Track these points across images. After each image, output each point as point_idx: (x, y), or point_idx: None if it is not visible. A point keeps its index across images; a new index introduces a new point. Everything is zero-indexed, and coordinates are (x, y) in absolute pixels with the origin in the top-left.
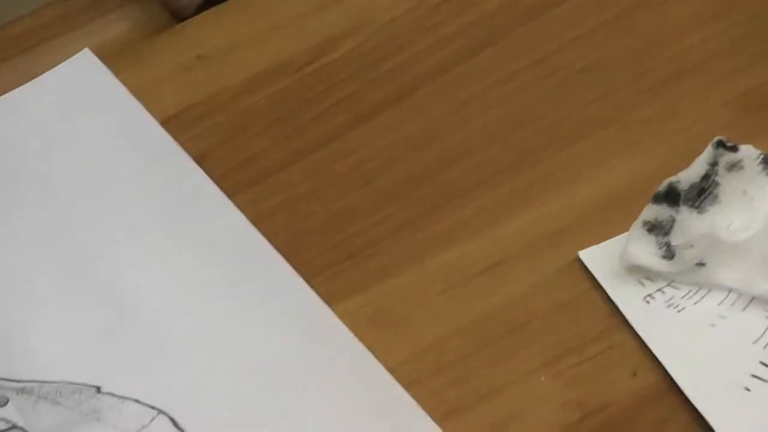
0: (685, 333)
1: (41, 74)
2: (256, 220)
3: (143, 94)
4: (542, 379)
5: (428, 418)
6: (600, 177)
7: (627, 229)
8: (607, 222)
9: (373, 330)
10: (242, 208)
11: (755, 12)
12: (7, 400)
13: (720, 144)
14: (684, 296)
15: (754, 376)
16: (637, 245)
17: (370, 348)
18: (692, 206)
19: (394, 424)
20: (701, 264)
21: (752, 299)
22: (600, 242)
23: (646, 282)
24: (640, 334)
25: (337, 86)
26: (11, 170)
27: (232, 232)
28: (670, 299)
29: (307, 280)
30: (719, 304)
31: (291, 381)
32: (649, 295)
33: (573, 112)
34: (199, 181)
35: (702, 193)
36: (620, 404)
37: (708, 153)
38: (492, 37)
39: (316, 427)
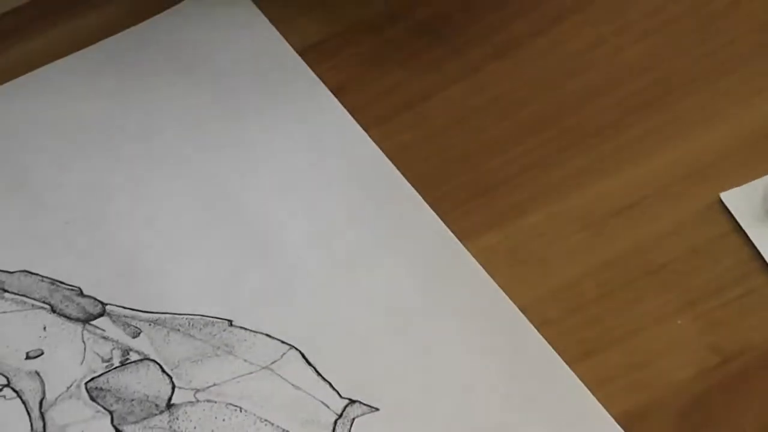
0: None
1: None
2: (392, 154)
3: (282, 23)
4: (679, 322)
5: (559, 359)
6: (743, 116)
7: None
8: (749, 163)
9: (509, 267)
10: (378, 141)
11: None
12: (140, 332)
13: None
14: None
15: None
16: None
17: (505, 285)
18: None
19: (525, 364)
20: None
21: None
22: (742, 184)
23: None
24: None
25: (476, 19)
26: (150, 96)
27: (368, 166)
28: None
29: (443, 215)
30: None
31: (421, 317)
32: None
33: (716, 48)
34: (336, 114)
35: None
36: (759, 350)
37: None
38: None
39: (444, 362)
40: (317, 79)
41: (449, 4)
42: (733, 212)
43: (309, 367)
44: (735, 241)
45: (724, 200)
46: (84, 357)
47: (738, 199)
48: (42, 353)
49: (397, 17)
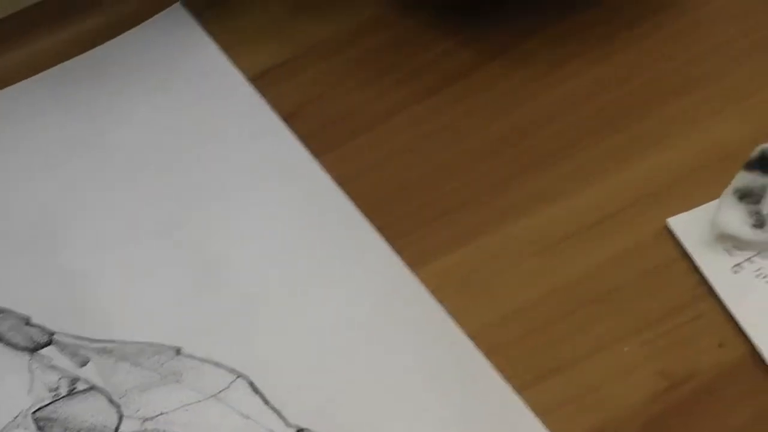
0: None
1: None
2: (344, 180)
3: (232, 48)
4: (626, 349)
5: (507, 386)
6: (691, 142)
7: (717, 197)
8: (697, 188)
9: (460, 293)
10: (330, 167)
11: None
12: (88, 361)
13: None
14: None
15: None
16: (727, 213)
17: (455, 311)
18: None
19: (473, 391)
20: None
21: None
22: (689, 209)
23: (735, 251)
24: (728, 304)
25: (426, 47)
26: (99, 121)
27: (317, 193)
28: (759, 269)
29: (395, 241)
30: None
31: (370, 344)
32: (738, 265)
33: (666, 73)
34: (286, 140)
35: None
36: (706, 375)
37: None
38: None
39: (393, 388)
40: (267, 105)
41: (401, 31)
42: (679, 238)
43: (256, 395)
44: (682, 266)
45: (671, 226)
46: (31, 386)
47: (685, 225)
48: None
49: (349, 43)
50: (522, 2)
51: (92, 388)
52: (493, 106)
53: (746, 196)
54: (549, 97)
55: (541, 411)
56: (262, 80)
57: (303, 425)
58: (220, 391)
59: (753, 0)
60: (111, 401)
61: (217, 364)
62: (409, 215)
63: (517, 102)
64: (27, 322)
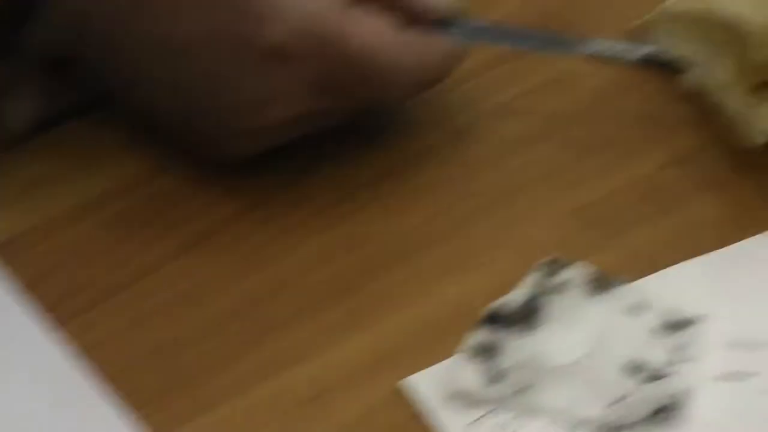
0: None
1: None
2: (88, 348)
3: None
4: None
5: None
6: (425, 301)
7: (452, 354)
8: (432, 348)
9: None
10: (73, 336)
11: (583, 131)
12: None
13: (548, 264)
14: (510, 421)
15: None
16: (461, 370)
17: None
18: (519, 329)
19: None
20: (527, 388)
21: (578, 424)
22: (424, 368)
23: (472, 407)
24: None
25: (164, 213)
26: None
27: (54, 364)
28: (496, 424)
29: (137, 409)
30: (545, 428)
31: None
32: (475, 421)
33: (397, 234)
34: (23, 311)
35: (529, 315)
36: None
37: (536, 274)
38: (330, 156)
39: None
40: (5, 276)
41: (155, 190)
42: (415, 398)
43: None
44: (419, 427)
45: (406, 386)
46: None
47: (420, 385)
48: None
49: (98, 207)
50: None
51: None
52: (226, 275)
53: (481, 352)
54: (286, 259)
55: None
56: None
57: None
58: None
59: (484, 166)
60: None
61: None
62: (156, 381)
63: (251, 268)
64: None
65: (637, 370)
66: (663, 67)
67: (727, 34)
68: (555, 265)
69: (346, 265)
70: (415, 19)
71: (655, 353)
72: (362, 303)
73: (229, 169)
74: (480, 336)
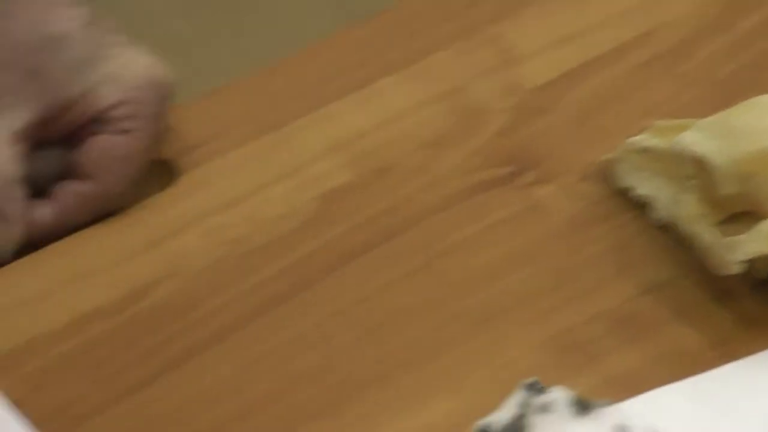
0: None
1: None
2: None
3: None
4: None
5: None
6: (405, 424)
7: None
8: None
9: None
10: None
11: (565, 253)
12: None
13: (529, 387)
14: None
15: None
16: None
17: None
18: None
19: None
20: None
21: None
22: None
23: None
24: None
25: (151, 332)
26: None
27: None
28: None
29: None
30: None
31: None
32: None
33: (376, 359)
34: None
35: None
36: None
37: (517, 396)
38: (306, 281)
39: None
40: None
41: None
42: None
43: None
44: None
45: None
46: None
47: None
48: None
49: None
50: None
51: None
52: (212, 390)
53: None
54: (272, 377)
55: None
56: None
57: None
58: None
59: (465, 290)
60: None
61: None
62: None
63: (241, 384)
64: None
65: None
66: (632, 200)
67: (693, 170)
68: (537, 386)
69: (326, 387)
70: None
71: None
72: (343, 425)
73: None
74: None
